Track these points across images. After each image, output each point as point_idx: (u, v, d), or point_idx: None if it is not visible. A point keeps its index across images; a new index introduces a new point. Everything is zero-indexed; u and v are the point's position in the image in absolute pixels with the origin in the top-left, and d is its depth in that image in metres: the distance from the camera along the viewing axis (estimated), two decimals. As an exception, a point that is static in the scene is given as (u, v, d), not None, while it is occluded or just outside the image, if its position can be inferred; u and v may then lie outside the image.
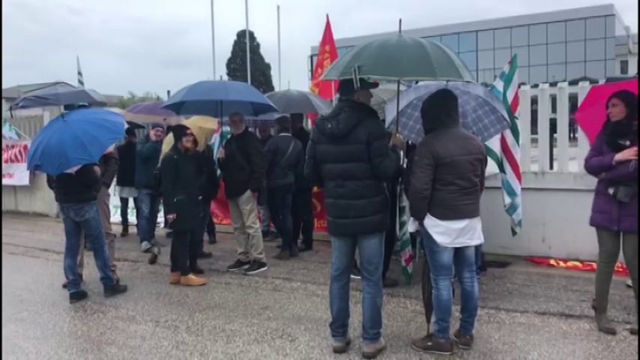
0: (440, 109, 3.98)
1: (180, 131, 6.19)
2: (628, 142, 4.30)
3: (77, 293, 5.76)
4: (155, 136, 8.06)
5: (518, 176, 5.81)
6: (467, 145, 3.94)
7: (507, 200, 5.79)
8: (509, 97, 5.73)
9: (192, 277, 6.20)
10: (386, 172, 3.92)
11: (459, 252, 4.05)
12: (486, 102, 5.10)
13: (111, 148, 6.12)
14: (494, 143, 5.65)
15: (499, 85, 5.78)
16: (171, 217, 6.07)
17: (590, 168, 4.53)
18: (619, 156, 4.27)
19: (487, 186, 5.22)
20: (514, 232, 5.98)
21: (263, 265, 6.70)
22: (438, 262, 4.01)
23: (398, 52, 3.75)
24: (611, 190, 4.36)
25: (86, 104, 7.09)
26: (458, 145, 3.90)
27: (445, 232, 3.92)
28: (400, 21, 4.16)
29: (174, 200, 6.04)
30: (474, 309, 4.17)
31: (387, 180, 4.06)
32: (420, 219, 4.00)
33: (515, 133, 5.66)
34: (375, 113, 4.08)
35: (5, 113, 14.28)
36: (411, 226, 4.20)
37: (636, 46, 49.28)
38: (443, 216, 3.90)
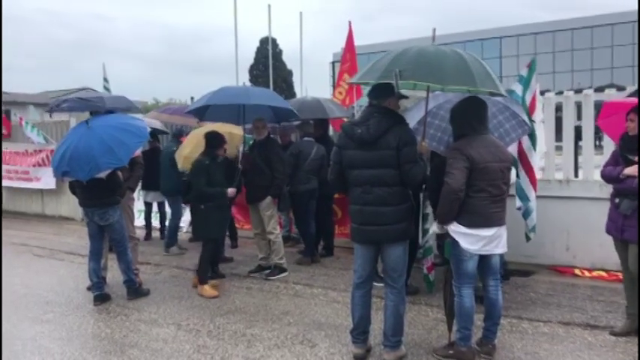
0: (471, 115, 3.98)
1: (219, 140, 6.12)
2: (637, 158, 4.35)
3: (101, 296, 5.85)
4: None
5: (533, 181, 5.76)
6: (498, 152, 3.94)
7: (518, 204, 5.73)
8: (527, 101, 5.71)
9: (206, 288, 6.07)
10: (415, 179, 3.90)
11: (484, 260, 4.02)
12: (506, 107, 5.07)
13: (138, 152, 6.18)
14: (510, 147, 5.62)
15: (518, 88, 5.75)
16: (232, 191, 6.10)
17: (603, 177, 4.65)
18: (627, 170, 4.36)
19: (510, 193, 5.18)
20: (528, 238, 5.91)
21: (284, 270, 6.72)
22: (463, 270, 3.98)
23: (438, 60, 3.72)
24: (616, 201, 4.47)
25: (111, 111, 7.22)
26: (490, 151, 3.90)
27: (473, 240, 3.89)
28: (434, 30, 4.17)
29: (202, 207, 6.02)
30: (498, 317, 4.14)
31: (415, 187, 4.04)
32: (446, 222, 3.96)
33: (532, 138, 5.62)
34: (403, 120, 4.06)
35: (35, 117, 14.61)
36: (437, 228, 4.13)
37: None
38: (472, 223, 3.87)
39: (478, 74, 3.69)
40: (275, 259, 6.70)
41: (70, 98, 8.66)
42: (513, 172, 5.66)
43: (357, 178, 4.00)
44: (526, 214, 5.76)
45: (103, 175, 5.48)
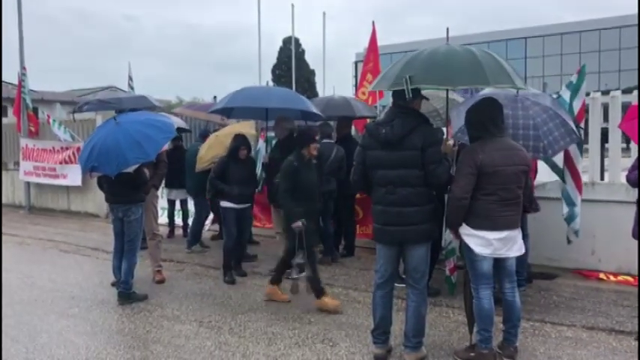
0: (485, 117, 3.93)
1: (308, 137, 5.53)
2: None
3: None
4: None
5: (579, 187, 5.74)
6: (512, 155, 3.88)
7: (565, 209, 5.71)
8: (576, 108, 5.64)
9: (326, 300, 5.45)
10: (440, 179, 3.88)
11: (498, 263, 3.98)
12: (557, 114, 5.00)
13: (165, 147, 6.23)
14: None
15: (566, 94, 5.68)
16: (297, 225, 5.35)
17: (630, 180, 4.58)
18: None
19: (535, 196, 5.13)
20: (569, 241, 5.87)
21: (304, 269, 6.72)
22: (478, 272, 3.95)
23: (449, 61, 3.74)
24: None
25: (138, 109, 7.33)
26: (503, 154, 3.85)
27: (482, 243, 3.86)
28: (447, 30, 4.15)
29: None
30: (517, 320, 4.09)
31: (439, 187, 4.02)
32: (453, 227, 3.98)
33: (580, 144, 5.56)
34: (427, 120, 4.06)
35: (61, 115, 14.89)
36: (450, 236, 4.16)
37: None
38: (479, 225, 3.85)
39: (490, 71, 3.67)
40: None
41: (90, 100, 8.88)
42: (542, 174, 5.66)
43: (381, 178, 4.00)
44: (570, 218, 5.75)
45: (131, 169, 5.54)
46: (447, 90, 4.41)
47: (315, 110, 6.66)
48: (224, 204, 6.53)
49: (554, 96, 5.78)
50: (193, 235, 8.36)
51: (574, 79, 5.73)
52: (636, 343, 4.44)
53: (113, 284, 6.18)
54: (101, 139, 5.42)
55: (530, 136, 4.80)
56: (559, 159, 5.71)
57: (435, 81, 3.77)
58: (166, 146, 6.42)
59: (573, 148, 5.59)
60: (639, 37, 26.15)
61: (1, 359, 4.45)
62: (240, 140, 6.53)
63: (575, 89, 5.67)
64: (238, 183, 6.44)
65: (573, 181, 5.72)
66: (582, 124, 5.72)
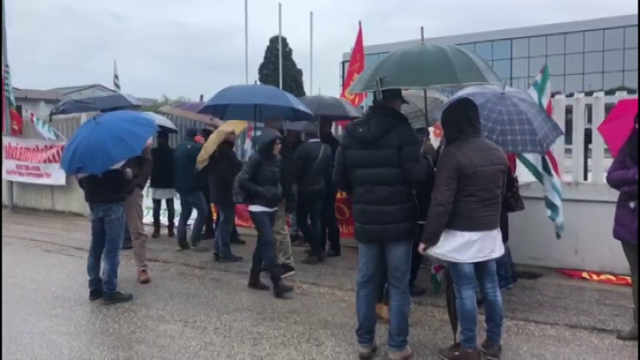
0: (461, 118, 3.94)
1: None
2: None
3: (96, 291, 5.85)
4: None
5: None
6: (490, 155, 3.89)
7: (559, 203, 5.72)
8: (544, 106, 5.69)
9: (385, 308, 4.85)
10: (417, 178, 3.91)
11: (479, 264, 3.99)
12: (542, 109, 5.06)
13: (150, 141, 6.16)
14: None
15: (533, 94, 5.74)
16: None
17: (612, 181, 4.54)
18: None
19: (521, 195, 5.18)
20: (559, 236, 5.89)
21: (291, 269, 6.73)
22: (460, 273, 3.96)
23: (419, 61, 3.79)
24: (632, 205, 4.37)
25: (119, 108, 7.30)
26: (481, 155, 3.86)
27: (463, 248, 3.86)
28: (422, 29, 4.19)
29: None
30: (500, 318, 4.11)
31: (417, 186, 4.04)
32: (433, 235, 3.88)
33: None
34: (406, 119, 4.09)
35: (45, 114, 14.73)
36: (442, 256, 4.03)
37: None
38: (459, 226, 3.86)
39: (460, 68, 3.69)
40: (282, 258, 6.71)
41: (67, 102, 8.84)
42: (528, 175, 5.71)
43: (359, 177, 4.03)
44: (554, 215, 5.76)
45: (117, 166, 5.50)
46: (425, 90, 4.44)
47: (302, 108, 6.65)
48: (255, 208, 5.99)
49: None
50: (197, 232, 8.36)
51: (538, 78, 5.84)
52: (618, 340, 4.49)
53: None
54: (83, 139, 5.38)
55: (526, 130, 4.82)
56: (532, 156, 5.73)
57: (407, 82, 3.83)
58: (150, 140, 6.33)
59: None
60: (639, 37, 26.46)
61: (0, 359, 4.42)
62: (271, 134, 6.04)
63: (540, 89, 5.77)
64: (271, 183, 6.01)
65: (557, 176, 5.76)
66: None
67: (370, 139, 3.94)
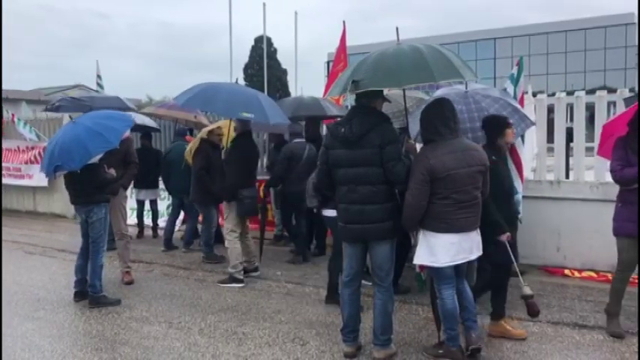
0: (436, 119, 3.92)
1: (504, 123, 4.58)
2: None
3: (80, 292, 5.81)
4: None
5: (521, 175, 5.88)
6: (465, 157, 3.85)
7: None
8: (517, 98, 5.84)
9: (506, 326, 4.65)
10: (398, 177, 3.92)
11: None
12: (508, 103, 5.12)
13: (127, 133, 6.10)
14: None
15: (509, 87, 5.87)
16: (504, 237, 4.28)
17: (625, 179, 4.42)
18: None
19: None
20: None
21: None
22: (439, 274, 3.99)
23: (395, 62, 3.79)
24: None
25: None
26: (455, 157, 3.81)
27: (441, 248, 3.87)
28: (397, 29, 4.21)
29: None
30: (472, 305, 4.11)
31: (399, 184, 4.06)
32: (410, 229, 4.04)
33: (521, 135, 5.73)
34: (387, 119, 4.11)
35: (27, 114, 14.54)
36: (417, 260, 4.09)
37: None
38: (437, 229, 3.86)
39: (436, 66, 3.70)
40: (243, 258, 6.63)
41: (63, 98, 8.72)
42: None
43: (342, 177, 4.04)
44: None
45: (95, 159, 5.46)
46: (404, 90, 4.46)
47: (280, 120, 6.29)
48: (331, 213, 5.14)
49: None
50: (190, 234, 8.24)
51: (514, 71, 5.97)
52: (599, 336, 4.55)
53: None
54: (60, 139, 5.39)
55: None
56: None
57: (381, 83, 3.81)
58: (127, 133, 6.24)
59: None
60: (639, 37, 26.81)
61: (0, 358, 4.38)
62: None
63: (515, 81, 5.89)
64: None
65: (516, 169, 5.82)
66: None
67: (352, 138, 3.96)
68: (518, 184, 5.80)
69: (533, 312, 4.30)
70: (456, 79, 3.94)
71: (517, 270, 4.36)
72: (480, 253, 4.06)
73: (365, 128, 3.93)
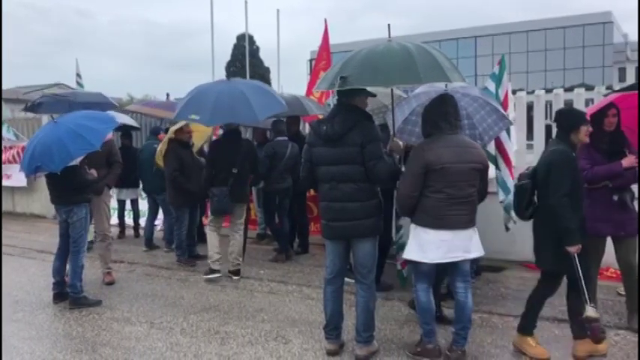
0: (437, 114, 3.95)
1: (580, 119, 4.12)
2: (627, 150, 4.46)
3: (60, 294, 5.74)
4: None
5: (512, 172, 5.88)
6: (463, 152, 3.86)
7: (502, 197, 5.82)
8: (501, 97, 5.88)
9: (531, 342, 4.25)
10: (379, 176, 3.94)
11: (452, 263, 3.98)
12: (487, 102, 5.16)
13: (110, 135, 6.06)
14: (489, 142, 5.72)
15: (490, 86, 5.91)
16: (575, 249, 3.81)
17: (598, 176, 4.46)
18: (627, 162, 4.38)
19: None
20: (507, 228, 5.96)
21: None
22: (419, 270, 4.02)
23: (383, 60, 3.79)
24: (615, 197, 4.43)
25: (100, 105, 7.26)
26: (453, 152, 3.83)
27: (430, 244, 3.86)
28: (389, 26, 4.20)
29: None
30: (468, 321, 4.02)
31: (381, 183, 4.08)
32: (405, 215, 4.08)
33: (507, 130, 5.74)
34: (370, 117, 4.12)
35: (5, 114, 14.31)
36: (407, 254, 4.09)
37: (634, 53, 49.54)
38: (428, 224, 3.87)
39: (423, 68, 3.71)
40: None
41: (46, 95, 8.60)
42: (492, 168, 5.79)
43: (324, 174, 4.05)
44: (508, 206, 5.82)
45: (76, 162, 5.41)
46: (392, 89, 4.46)
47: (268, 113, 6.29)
48: None
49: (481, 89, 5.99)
50: (170, 233, 8.02)
51: (496, 70, 5.98)
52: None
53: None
54: (41, 139, 5.33)
55: (465, 125, 4.94)
56: (491, 147, 5.85)
57: (369, 81, 3.82)
58: (111, 135, 6.21)
59: (504, 135, 5.74)
60: (639, 36, 27.14)
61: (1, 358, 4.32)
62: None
63: (498, 80, 5.89)
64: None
65: (507, 167, 5.83)
66: (508, 113, 5.89)
67: (334, 136, 3.96)
68: (510, 183, 5.80)
69: (596, 338, 3.78)
70: (443, 81, 3.95)
71: (583, 287, 3.80)
72: (481, 253, 4.01)
73: (347, 126, 3.93)
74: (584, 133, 4.02)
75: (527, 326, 4.23)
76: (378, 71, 3.76)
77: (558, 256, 3.90)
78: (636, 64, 48.58)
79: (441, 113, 3.94)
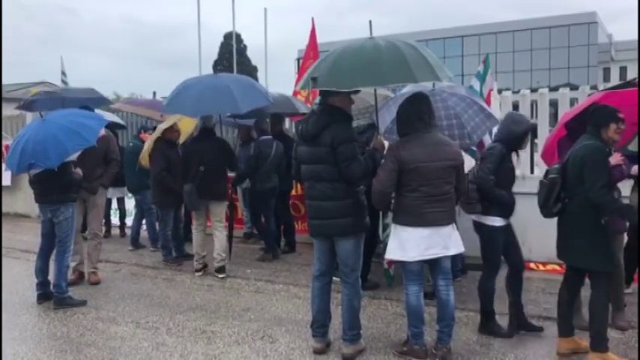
0: (411, 113, 3.95)
1: (610, 116, 4.03)
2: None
3: (44, 294, 5.69)
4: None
5: None
6: (438, 151, 3.87)
7: None
8: (484, 95, 5.93)
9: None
10: (353, 176, 3.93)
11: (433, 260, 3.99)
12: (474, 101, 5.19)
13: (103, 132, 6.03)
14: None
15: (476, 84, 5.97)
16: None
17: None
18: (614, 160, 4.37)
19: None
20: None
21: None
22: (407, 269, 4.02)
23: (350, 62, 3.80)
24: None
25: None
26: (427, 150, 3.84)
27: (410, 242, 3.88)
28: (370, 22, 4.19)
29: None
30: (451, 319, 4.03)
31: (355, 183, 4.04)
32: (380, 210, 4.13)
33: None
34: (346, 117, 4.09)
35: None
36: (388, 254, 4.14)
37: (619, 53, 50.08)
38: (407, 222, 3.90)
39: (388, 67, 3.73)
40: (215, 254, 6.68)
41: (40, 92, 8.53)
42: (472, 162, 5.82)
43: (304, 173, 4.15)
44: None
45: (73, 157, 5.40)
46: (375, 89, 4.46)
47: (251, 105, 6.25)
48: (494, 222, 4.55)
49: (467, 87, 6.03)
50: (155, 232, 7.99)
51: (480, 69, 6.06)
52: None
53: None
54: (31, 136, 5.25)
55: (454, 124, 4.96)
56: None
57: (335, 83, 3.80)
58: (103, 131, 6.13)
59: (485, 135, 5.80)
60: (639, 36, 27.29)
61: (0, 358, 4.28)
62: (524, 123, 4.68)
63: (482, 78, 5.96)
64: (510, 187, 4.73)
65: None
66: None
67: (307, 136, 4.03)
68: None
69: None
70: (431, 80, 3.95)
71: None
72: (461, 250, 4.05)
73: (319, 126, 3.97)
74: (613, 131, 4.00)
75: (570, 328, 4.19)
76: (343, 73, 3.76)
77: (589, 252, 3.96)
78: (620, 65, 49.24)
79: (416, 112, 3.95)
